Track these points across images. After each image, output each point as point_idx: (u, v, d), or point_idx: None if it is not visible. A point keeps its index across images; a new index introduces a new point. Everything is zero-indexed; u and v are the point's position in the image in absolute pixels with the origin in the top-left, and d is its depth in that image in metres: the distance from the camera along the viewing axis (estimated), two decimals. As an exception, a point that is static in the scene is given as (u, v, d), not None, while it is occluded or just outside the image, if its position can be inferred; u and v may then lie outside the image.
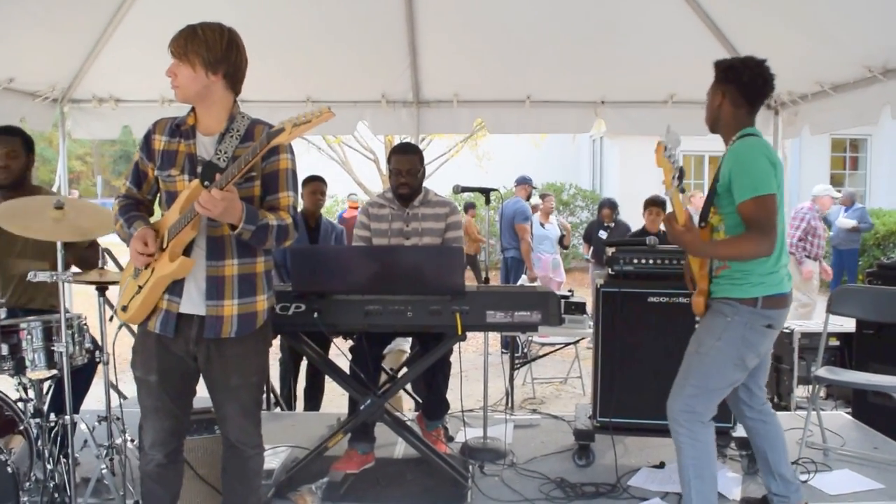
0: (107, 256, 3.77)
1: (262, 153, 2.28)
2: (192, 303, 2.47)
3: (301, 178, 4.96)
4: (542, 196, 9.29)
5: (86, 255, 3.60)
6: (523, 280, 7.27)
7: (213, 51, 2.38)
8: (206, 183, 2.34)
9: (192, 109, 2.51)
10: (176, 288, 2.46)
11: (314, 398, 5.06)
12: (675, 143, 2.78)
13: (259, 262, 2.57)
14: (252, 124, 2.50)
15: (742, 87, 2.82)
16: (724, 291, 2.80)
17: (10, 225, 3.04)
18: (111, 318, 3.24)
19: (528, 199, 8.70)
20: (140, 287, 2.48)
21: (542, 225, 8.93)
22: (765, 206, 2.62)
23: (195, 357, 2.54)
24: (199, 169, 2.41)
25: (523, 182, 8.72)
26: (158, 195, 2.60)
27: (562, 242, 9.30)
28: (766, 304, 2.75)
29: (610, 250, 3.87)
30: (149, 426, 2.58)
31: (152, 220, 2.57)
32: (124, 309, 2.54)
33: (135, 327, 2.64)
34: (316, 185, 5.12)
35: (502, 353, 7.02)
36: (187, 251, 2.45)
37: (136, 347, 2.58)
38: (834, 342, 4.97)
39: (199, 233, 2.44)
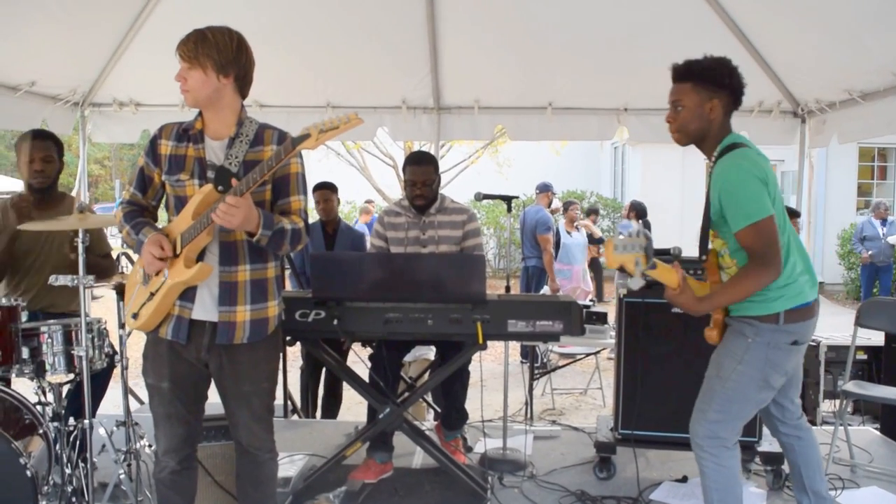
0: (124, 260, 3.79)
1: (286, 159, 2.28)
2: (205, 309, 2.47)
3: (312, 184, 5.00)
4: (568, 204, 9.18)
5: (102, 265, 3.62)
6: (545, 291, 7.21)
7: (224, 54, 2.38)
8: (219, 188, 2.35)
9: (200, 114, 2.51)
10: (188, 294, 2.46)
11: (332, 406, 5.04)
12: (633, 244, 2.45)
13: (270, 268, 2.57)
14: (261, 129, 2.51)
15: (733, 91, 2.60)
16: (743, 309, 2.61)
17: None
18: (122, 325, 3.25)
19: (549, 206, 8.61)
20: (152, 294, 2.47)
21: (568, 233, 8.83)
22: (763, 231, 2.45)
23: (206, 364, 2.54)
24: (211, 173, 2.42)
25: (545, 189, 8.62)
26: (164, 200, 2.60)
27: (596, 242, 9.14)
28: (788, 318, 2.56)
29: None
30: (161, 433, 2.58)
31: (158, 225, 2.58)
32: (135, 316, 2.53)
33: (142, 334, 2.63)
34: (322, 192, 5.10)
35: (522, 362, 6.98)
36: (200, 256, 2.45)
37: (147, 354, 2.57)
38: (861, 356, 4.88)
39: (212, 238, 2.45)
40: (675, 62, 2.66)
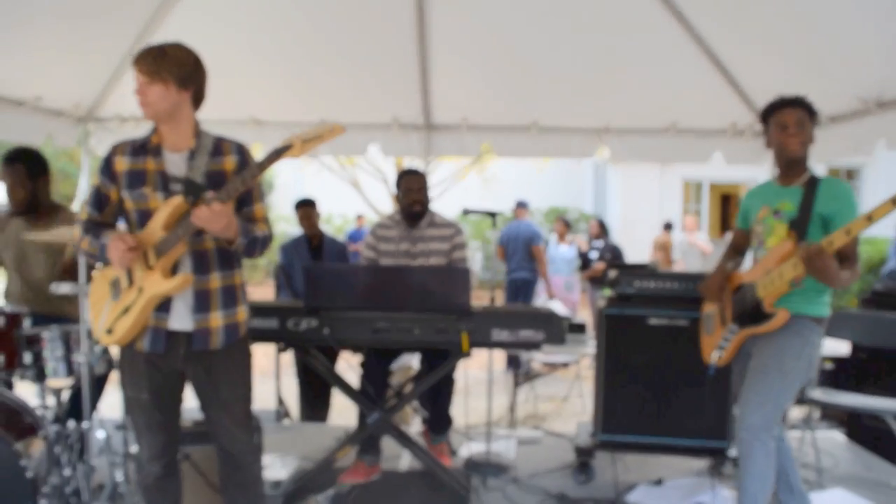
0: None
1: (266, 166, 2.37)
2: (181, 319, 2.52)
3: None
4: (557, 219, 9.47)
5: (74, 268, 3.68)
6: (542, 300, 7.32)
7: (184, 68, 2.44)
8: (189, 198, 2.41)
9: (155, 128, 2.54)
10: (164, 304, 2.49)
11: (322, 411, 5.16)
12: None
13: (237, 274, 2.65)
14: (217, 140, 2.57)
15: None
16: (797, 308, 2.89)
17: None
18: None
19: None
20: (127, 308, 2.50)
21: (557, 246, 9.10)
22: (857, 246, 2.81)
23: (182, 372, 2.60)
24: (176, 185, 2.47)
25: (522, 206, 8.85)
26: (122, 217, 2.62)
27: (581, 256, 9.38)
28: (825, 324, 2.95)
29: (612, 273, 3.98)
30: (144, 442, 2.63)
31: None
32: (109, 332, 2.54)
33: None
34: (304, 209, 5.27)
35: (508, 370, 7.10)
36: (174, 267, 2.50)
37: (124, 367, 2.60)
38: (829, 365, 5.05)
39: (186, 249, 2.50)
40: (791, 95, 3.01)
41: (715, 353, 3.16)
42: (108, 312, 2.55)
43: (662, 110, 5.29)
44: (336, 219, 17.94)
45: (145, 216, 2.50)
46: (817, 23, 3.94)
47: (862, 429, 4.55)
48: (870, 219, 2.52)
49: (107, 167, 2.55)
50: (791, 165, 2.99)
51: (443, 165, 14.66)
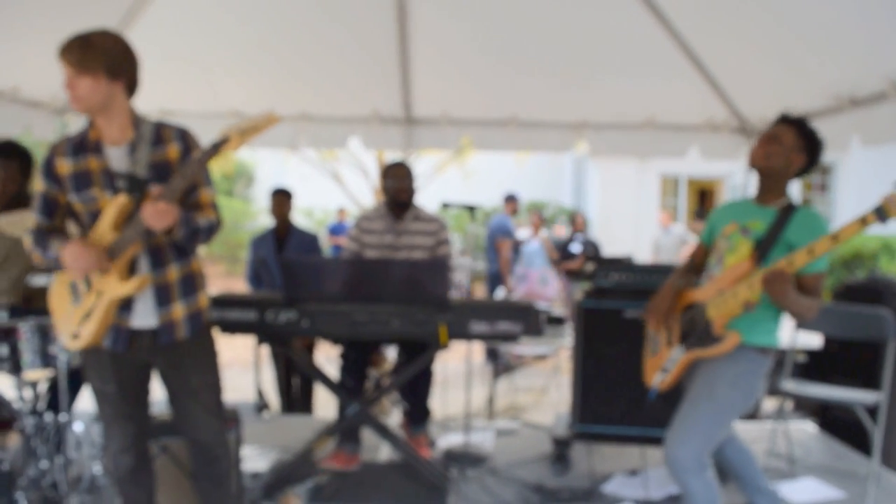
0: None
1: (206, 162, 2.31)
2: (142, 316, 2.47)
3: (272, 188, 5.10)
4: (531, 212, 9.51)
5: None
6: (500, 293, 7.40)
7: (113, 57, 2.33)
8: (134, 195, 2.35)
9: (91, 122, 2.44)
10: (125, 303, 2.45)
11: (307, 402, 5.17)
12: None
13: (195, 261, 2.60)
14: (157, 127, 2.48)
15: (810, 164, 2.80)
16: (753, 337, 2.71)
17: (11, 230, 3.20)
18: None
19: (513, 214, 8.86)
20: (88, 313, 2.44)
21: (529, 240, 9.11)
22: (823, 282, 2.67)
23: (148, 363, 2.58)
24: (122, 182, 2.39)
25: (511, 199, 8.87)
26: (73, 219, 2.54)
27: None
28: (772, 357, 2.76)
29: (589, 266, 4.02)
30: (113, 434, 2.59)
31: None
32: (75, 337, 2.47)
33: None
34: (277, 198, 5.16)
35: (487, 362, 7.14)
36: (131, 266, 2.45)
37: (88, 361, 2.55)
38: (801, 357, 5.13)
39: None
40: (793, 115, 2.85)
41: (658, 376, 2.97)
42: (72, 317, 2.49)
43: (640, 105, 5.34)
44: (317, 212, 17.87)
45: (96, 218, 2.43)
46: (793, 20, 3.98)
47: (833, 420, 4.63)
48: (835, 239, 2.41)
49: (49, 171, 2.44)
50: (766, 182, 2.82)
51: (423, 159, 14.68)
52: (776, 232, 2.70)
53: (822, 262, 2.62)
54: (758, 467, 3.11)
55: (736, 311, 2.67)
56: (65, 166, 2.43)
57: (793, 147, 2.75)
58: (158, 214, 2.26)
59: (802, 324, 4.15)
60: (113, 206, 2.37)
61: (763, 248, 2.69)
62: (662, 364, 2.96)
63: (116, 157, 2.43)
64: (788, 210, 2.74)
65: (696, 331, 2.82)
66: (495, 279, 8.37)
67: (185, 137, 2.52)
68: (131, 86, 2.44)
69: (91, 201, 2.42)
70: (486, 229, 8.50)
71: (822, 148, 2.79)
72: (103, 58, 2.31)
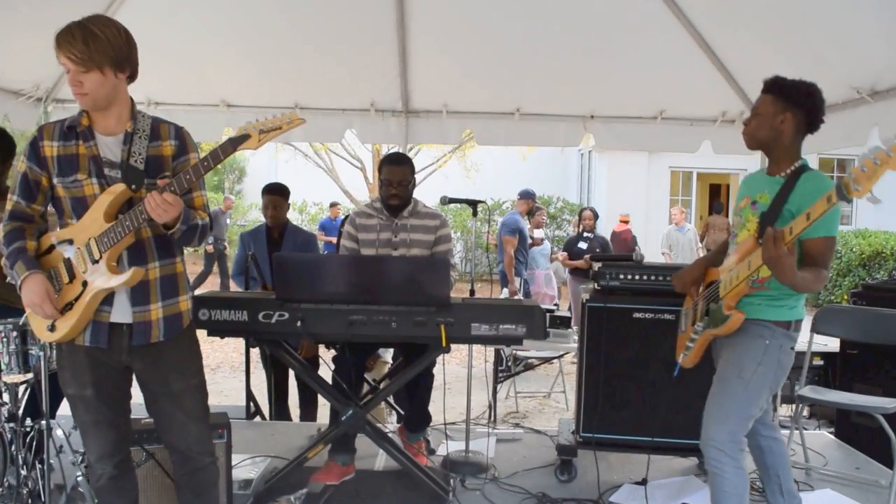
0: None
1: (223, 159, 2.26)
2: (123, 311, 2.40)
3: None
4: (535, 210, 9.26)
5: None
6: (504, 294, 7.24)
7: (118, 48, 2.27)
8: (132, 186, 2.31)
9: (85, 109, 2.38)
10: (107, 297, 2.38)
11: (309, 409, 4.99)
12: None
13: (178, 262, 2.53)
14: (154, 122, 2.44)
15: (809, 114, 2.74)
16: (760, 312, 2.71)
17: None
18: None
19: (528, 213, 8.62)
20: (70, 303, 2.37)
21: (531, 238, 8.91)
22: (831, 247, 2.63)
23: (127, 366, 2.48)
24: (113, 171, 2.34)
25: (525, 196, 8.66)
26: (53, 204, 2.46)
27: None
28: (795, 327, 2.75)
29: (596, 265, 3.88)
30: (92, 441, 2.50)
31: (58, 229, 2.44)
32: (52, 329, 2.39)
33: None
34: (272, 198, 4.74)
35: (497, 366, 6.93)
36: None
37: (64, 364, 2.47)
38: (818, 361, 5.00)
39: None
40: (769, 78, 2.79)
41: (682, 354, 3.00)
42: None
43: (650, 98, 5.23)
44: (311, 207, 17.78)
45: (81, 203, 2.36)
46: (811, 10, 3.88)
47: (851, 427, 4.49)
48: (808, 217, 2.33)
49: (33, 152, 2.37)
50: (769, 154, 2.82)
51: (423, 153, 14.57)
52: (779, 203, 2.67)
53: (825, 226, 2.54)
54: (789, 468, 3.04)
55: (744, 289, 2.67)
56: (50, 149, 2.36)
57: (774, 112, 2.71)
58: (164, 205, 2.20)
59: (821, 326, 4.01)
60: (109, 194, 2.31)
61: (767, 222, 2.65)
62: (686, 342, 2.98)
63: (108, 146, 2.37)
64: (794, 177, 2.69)
65: (711, 309, 2.83)
66: (500, 280, 8.20)
67: (180, 135, 2.48)
68: (133, 75, 2.40)
69: (75, 185, 2.35)
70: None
71: (809, 92, 2.73)
72: (110, 50, 2.25)
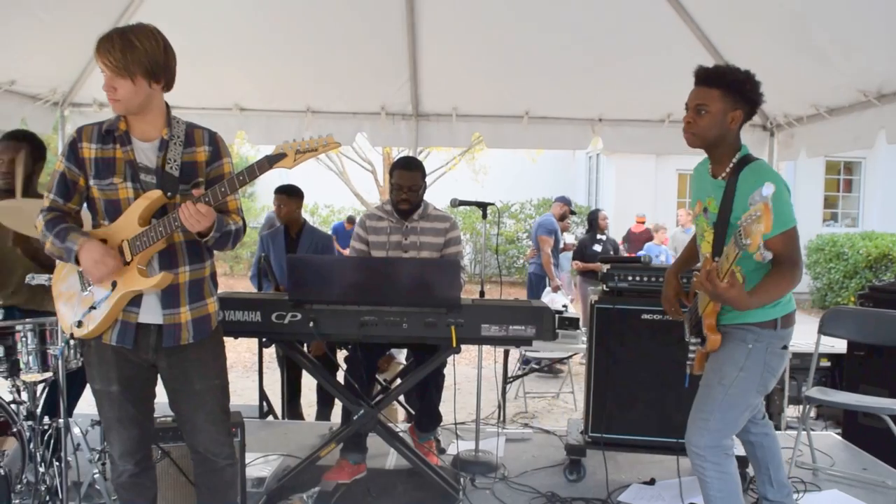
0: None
1: (258, 175, 2.30)
2: (151, 312, 2.44)
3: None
4: (565, 215, 9.26)
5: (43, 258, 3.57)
6: (547, 293, 7.17)
7: (154, 59, 2.30)
8: (168, 194, 2.34)
9: (122, 115, 2.42)
10: (135, 298, 2.42)
11: (325, 408, 5.04)
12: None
13: (207, 267, 2.56)
14: (189, 128, 2.48)
15: (754, 108, 2.65)
16: (742, 317, 2.63)
17: (6, 220, 3.12)
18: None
19: (561, 218, 8.59)
20: (99, 302, 2.41)
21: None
22: (792, 239, 2.48)
23: (153, 364, 2.51)
24: (148, 176, 2.38)
25: (562, 201, 8.66)
26: (87, 204, 2.50)
27: None
28: (783, 324, 2.65)
29: (605, 267, 3.90)
30: (115, 437, 2.52)
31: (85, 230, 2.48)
32: (79, 325, 2.44)
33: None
34: (279, 197, 4.92)
35: (521, 368, 6.92)
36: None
37: (91, 360, 2.50)
38: (825, 363, 5.00)
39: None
40: (701, 65, 2.67)
41: (688, 364, 2.93)
42: (79, 304, 2.45)
43: (658, 101, 5.24)
44: (322, 210, 17.81)
45: (114, 206, 2.41)
46: (818, 14, 3.88)
47: (858, 428, 4.48)
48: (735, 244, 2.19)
49: (72, 153, 2.42)
50: (713, 152, 2.66)
51: (433, 155, 14.58)
52: (725, 213, 2.55)
53: (780, 223, 2.33)
54: (783, 462, 3.06)
55: (717, 307, 2.61)
56: (88, 151, 2.40)
57: (724, 109, 2.57)
58: (198, 216, 2.24)
59: (827, 328, 4.01)
60: (145, 199, 2.36)
61: (717, 237, 2.57)
62: (689, 352, 2.91)
63: (144, 152, 2.41)
64: (735, 176, 2.56)
65: (696, 325, 2.78)
66: (535, 282, 8.08)
67: (214, 141, 2.52)
68: (169, 84, 2.42)
69: (110, 188, 2.39)
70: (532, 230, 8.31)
71: (754, 83, 2.60)
72: (145, 60, 2.28)
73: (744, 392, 2.65)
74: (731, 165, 2.61)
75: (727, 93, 2.57)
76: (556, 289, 7.37)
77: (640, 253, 8.59)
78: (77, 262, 2.36)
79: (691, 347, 2.87)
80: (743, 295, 2.38)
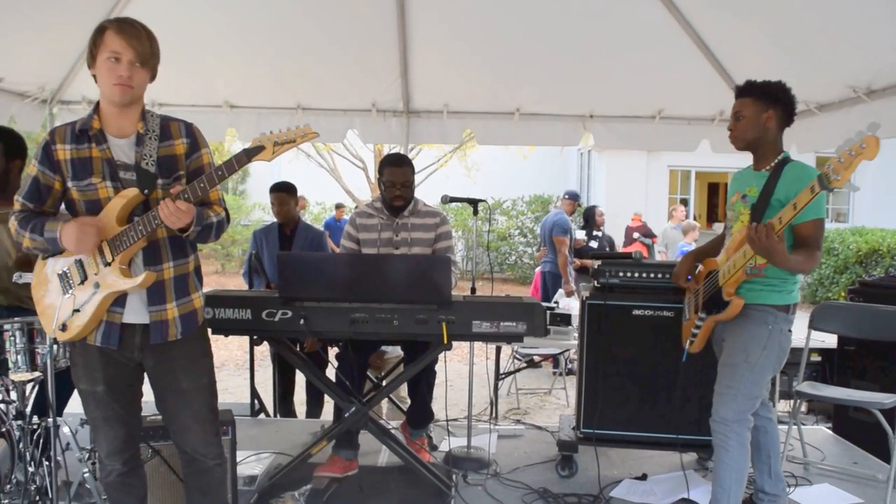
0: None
1: (237, 169, 2.28)
2: (135, 312, 2.42)
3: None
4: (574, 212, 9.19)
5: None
6: (560, 295, 7.12)
7: (158, 54, 2.36)
8: (145, 191, 2.33)
9: (96, 111, 2.38)
10: (119, 298, 2.40)
11: (315, 406, 5.03)
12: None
13: (190, 262, 2.55)
14: (164, 121, 2.44)
15: (787, 109, 2.94)
16: (761, 298, 2.92)
17: None
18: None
19: (572, 214, 8.49)
20: (82, 305, 2.39)
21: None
22: (821, 228, 2.83)
23: (140, 363, 2.49)
24: (128, 174, 2.35)
25: (571, 197, 8.54)
26: (67, 206, 2.46)
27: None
28: (793, 310, 2.97)
29: (596, 263, 3.90)
30: (102, 437, 2.51)
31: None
32: (63, 328, 2.40)
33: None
34: (278, 195, 4.87)
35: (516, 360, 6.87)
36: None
37: (76, 361, 2.49)
38: (815, 358, 5.02)
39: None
40: (745, 83, 3.00)
41: (688, 340, 3.21)
42: (61, 308, 2.41)
43: (649, 97, 5.24)
44: (313, 207, 17.78)
45: (93, 206, 2.38)
46: (808, 10, 3.90)
47: (848, 422, 4.51)
48: (794, 207, 2.55)
49: (46, 156, 2.37)
50: (756, 151, 3.00)
51: (424, 152, 14.56)
52: (767, 194, 2.87)
53: (813, 211, 2.70)
54: (780, 450, 3.27)
55: (741, 277, 2.87)
56: (63, 152, 2.36)
57: (757, 112, 2.92)
58: (178, 213, 2.23)
59: (818, 323, 4.04)
60: (122, 198, 2.33)
61: (757, 212, 2.87)
62: (692, 328, 3.18)
63: (120, 148, 2.37)
64: (779, 169, 2.89)
65: (713, 297, 3.02)
66: (549, 281, 7.89)
67: (191, 132, 2.49)
68: (152, 79, 2.44)
69: (89, 189, 2.36)
70: (540, 227, 8.17)
71: (783, 89, 2.94)
72: (158, 54, 2.36)
73: (765, 369, 2.93)
74: (775, 162, 2.94)
75: (758, 98, 2.93)
76: (570, 293, 7.28)
77: (678, 252, 8.63)
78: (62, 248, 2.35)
79: (698, 323, 3.12)
80: (786, 251, 2.69)
